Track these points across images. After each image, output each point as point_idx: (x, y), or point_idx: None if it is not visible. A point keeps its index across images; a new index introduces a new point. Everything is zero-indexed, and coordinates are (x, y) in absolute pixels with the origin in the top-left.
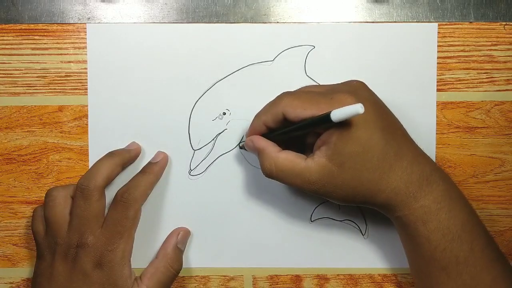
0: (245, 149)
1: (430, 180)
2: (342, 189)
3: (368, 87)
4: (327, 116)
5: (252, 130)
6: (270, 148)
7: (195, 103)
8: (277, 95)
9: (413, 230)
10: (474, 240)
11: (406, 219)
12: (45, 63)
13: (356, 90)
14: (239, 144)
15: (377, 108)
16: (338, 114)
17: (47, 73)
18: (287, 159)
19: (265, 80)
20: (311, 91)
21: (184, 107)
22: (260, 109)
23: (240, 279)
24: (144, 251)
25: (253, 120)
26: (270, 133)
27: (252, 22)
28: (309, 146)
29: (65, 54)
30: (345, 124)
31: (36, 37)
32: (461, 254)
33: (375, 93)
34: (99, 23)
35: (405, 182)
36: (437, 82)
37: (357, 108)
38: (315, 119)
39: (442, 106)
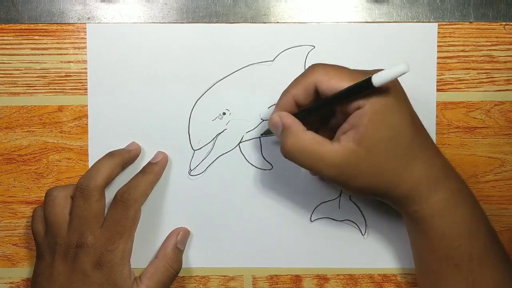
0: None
1: (447, 175)
2: (365, 176)
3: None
4: (367, 81)
5: (279, 107)
6: (296, 126)
7: (195, 103)
8: (309, 67)
9: (429, 225)
10: (487, 237)
11: (422, 213)
12: (45, 63)
13: None
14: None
15: (407, 98)
16: (381, 76)
17: (47, 73)
18: (313, 139)
19: (265, 80)
20: (343, 66)
21: (184, 107)
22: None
23: (240, 279)
24: (144, 251)
25: (281, 96)
26: (299, 112)
27: (252, 22)
28: (333, 130)
29: (65, 54)
30: (377, 107)
31: (36, 37)
32: (474, 251)
33: None
34: (99, 23)
35: (426, 175)
36: (437, 82)
37: (403, 68)
38: (354, 87)
39: (442, 106)
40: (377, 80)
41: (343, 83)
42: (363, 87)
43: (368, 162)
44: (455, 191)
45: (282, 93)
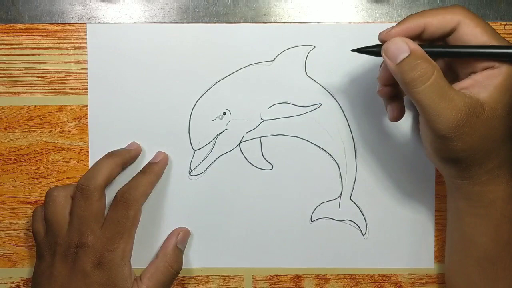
0: (362, 51)
1: None
2: (481, 133)
3: None
4: None
5: (401, 30)
6: (426, 54)
7: (195, 103)
8: (453, 5)
9: (500, 208)
10: None
11: (497, 195)
12: (45, 63)
13: None
14: (351, 50)
15: None
16: None
17: (47, 73)
18: (443, 77)
19: (265, 80)
20: None
21: (184, 107)
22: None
23: (240, 279)
24: (144, 251)
25: (407, 19)
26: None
27: (252, 22)
28: None
29: (65, 54)
30: (511, 73)
31: (36, 37)
32: None
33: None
34: (99, 23)
35: (510, 158)
36: None
37: None
38: (503, 47)
39: None
40: None
41: (485, 37)
42: None
43: (490, 121)
44: None
45: (410, 16)
